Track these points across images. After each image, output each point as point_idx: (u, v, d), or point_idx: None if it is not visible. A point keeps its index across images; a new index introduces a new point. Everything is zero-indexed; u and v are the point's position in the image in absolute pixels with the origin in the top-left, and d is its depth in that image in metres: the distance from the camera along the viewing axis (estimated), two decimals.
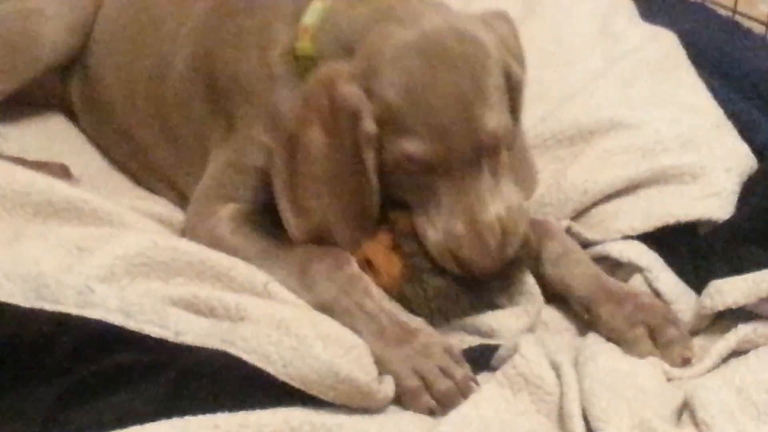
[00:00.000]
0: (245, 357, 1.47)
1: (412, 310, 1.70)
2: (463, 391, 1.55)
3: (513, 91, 1.73)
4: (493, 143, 1.65)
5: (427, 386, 1.55)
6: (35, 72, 2.17)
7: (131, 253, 1.62)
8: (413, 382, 1.55)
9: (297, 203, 1.70)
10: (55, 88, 2.26)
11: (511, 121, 1.70)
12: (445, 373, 1.55)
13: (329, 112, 1.64)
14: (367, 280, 1.66)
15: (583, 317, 1.74)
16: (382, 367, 1.56)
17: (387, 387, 1.54)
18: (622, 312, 1.68)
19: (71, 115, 2.30)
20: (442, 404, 1.54)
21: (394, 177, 1.67)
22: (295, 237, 1.71)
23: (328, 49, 1.72)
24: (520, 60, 1.77)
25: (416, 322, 1.64)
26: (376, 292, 1.65)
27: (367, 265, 1.70)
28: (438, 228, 1.66)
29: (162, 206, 1.97)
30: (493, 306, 1.74)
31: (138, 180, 2.12)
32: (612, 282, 1.75)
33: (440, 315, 1.70)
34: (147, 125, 2.02)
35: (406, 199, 1.70)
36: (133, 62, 2.07)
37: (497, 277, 1.71)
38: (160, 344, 1.49)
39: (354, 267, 1.67)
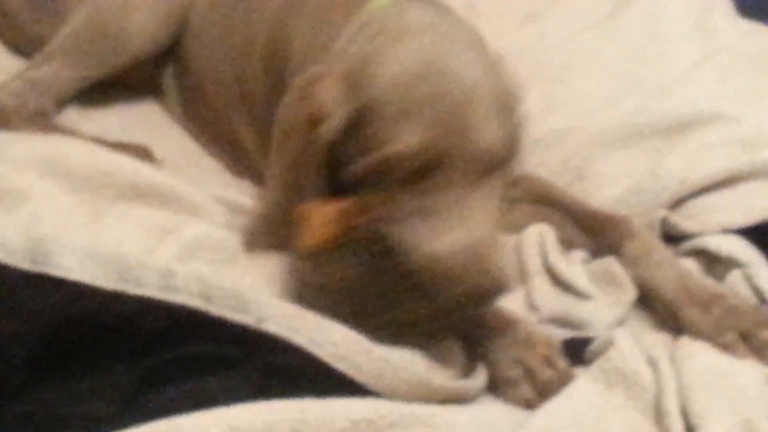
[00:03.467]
0: (335, 364, 1.43)
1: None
2: (564, 382, 1.49)
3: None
4: (489, 162, 1.50)
5: (529, 376, 1.50)
6: (124, 62, 2.16)
7: (207, 240, 1.61)
8: (513, 372, 1.50)
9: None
10: (145, 73, 2.26)
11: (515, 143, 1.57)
12: (547, 362, 1.50)
13: (304, 106, 1.56)
14: None
15: (669, 322, 1.67)
16: (482, 355, 1.52)
17: (478, 381, 1.50)
18: (710, 317, 1.61)
19: (158, 99, 2.29)
20: (542, 394, 1.48)
21: (369, 186, 1.52)
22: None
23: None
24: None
25: (516, 315, 1.57)
26: None
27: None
28: (427, 241, 1.45)
29: (248, 196, 1.92)
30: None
31: (227, 165, 2.10)
32: (698, 283, 1.67)
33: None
34: (235, 110, 2.02)
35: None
36: (223, 43, 2.07)
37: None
38: (243, 331, 1.45)
39: None
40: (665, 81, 2.07)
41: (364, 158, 1.50)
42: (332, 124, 1.52)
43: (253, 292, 1.50)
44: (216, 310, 1.47)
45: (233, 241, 1.65)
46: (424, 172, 1.47)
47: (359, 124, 1.51)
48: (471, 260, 1.43)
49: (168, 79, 2.25)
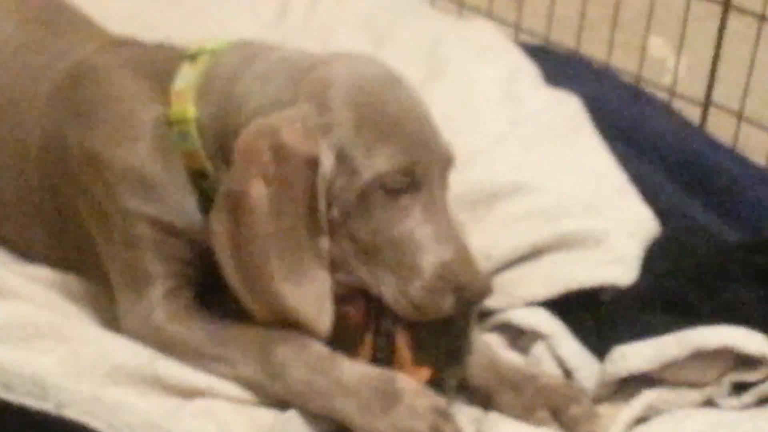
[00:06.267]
0: None
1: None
2: None
3: None
4: (452, 160, 1.65)
5: None
6: None
7: (12, 320, 1.57)
8: None
9: (249, 279, 1.57)
10: None
11: None
12: (436, 431, 1.49)
13: (274, 164, 1.54)
14: (336, 354, 1.56)
15: (483, 406, 1.69)
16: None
17: None
18: (522, 398, 1.65)
19: None
20: None
21: (357, 221, 1.57)
22: (260, 320, 1.60)
23: (229, 110, 1.65)
24: None
25: (400, 382, 1.53)
26: (348, 363, 1.55)
27: None
28: (429, 260, 1.56)
29: (51, 271, 1.87)
30: None
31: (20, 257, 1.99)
32: (508, 367, 1.69)
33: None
34: (19, 211, 1.92)
35: (373, 246, 1.58)
36: None
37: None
38: (44, 419, 1.45)
39: (319, 344, 1.57)
40: (472, 152, 2.08)
41: (350, 188, 1.56)
42: (327, 165, 1.55)
43: (53, 376, 1.49)
44: (15, 398, 1.46)
45: (41, 317, 1.61)
46: (407, 183, 1.57)
47: (339, 155, 1.56)
48: (463, 268, 1.57)
49: None
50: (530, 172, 2.01)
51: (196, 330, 1.64)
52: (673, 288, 1.81)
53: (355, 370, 1.54)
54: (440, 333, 1.60)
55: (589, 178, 2.05)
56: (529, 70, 2.53)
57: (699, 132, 2.51)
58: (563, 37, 2.92)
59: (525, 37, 2.95)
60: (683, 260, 1.87)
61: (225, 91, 1.67)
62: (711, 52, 2.59)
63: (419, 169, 1.57)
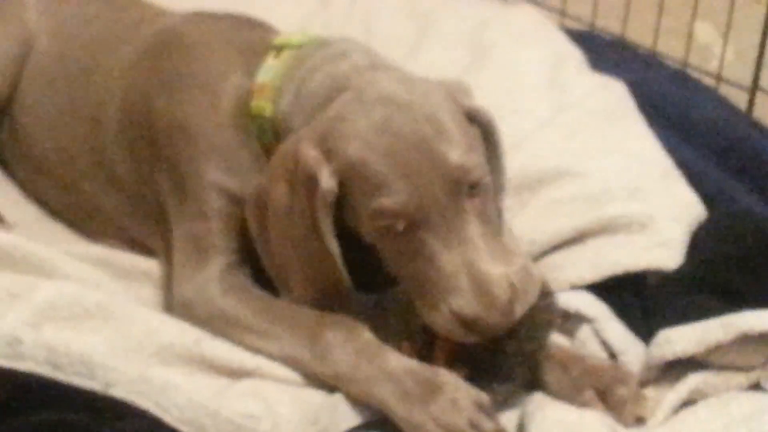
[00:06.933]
0: (181, 428, 1.45)
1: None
2: None
3: (488, 139, 1.69)
4: (466, 180, 1.56)
5: None
6: None
7: (60, 300, 1.58)
8: None
9: (275, 262, 1.67)
10: None
11: (486, 165, 1.63)
12: (475, 426, 1.49)
13: (293, 174, 1.60)
14: (382, 344, 1.59)
15: (531, 383, 1.68)
16: (411, 429, 1.51)
17: None
18: (569, 377, 1.65)
19: (4, 165, 2.21)
20: None
21: (380, 248, 1.60)
22: (296, 299, 1.66)
23: (290, 115, 1.72)
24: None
25: (443, 375, 1.54)
26: (394, 354, 1.57)
27: None
28: (443, 296, 1.54)
29: (99, 249, 1.91)
30: None
31: (81, 228, 2.04)
32: (556, 346, 1.70)
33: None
34: (91, 176, 1.97)
35: (399, 273, 1.61)
36: (67, 116, 2.00)
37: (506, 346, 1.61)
38: (92, 398, 1.46)
39: (368, 333, 1.60)
40: (517, 138, 2.08)
41: (356, 223, 1.59)
42: (326, 187, 1.56)
43: (101, 355, 1.50)
44: (64, 377, 1.48)
45: (89, 297, 1.62)
46: (411, 219, 1.54)
47: (345, 185, 1.58)
48: (473, 299, 1.52)
49: (5, 149, 2.17)
50: (575, 158, 2.01)
51: (248, 305, 1.67)
52: (719, 272, 1.80)
53: (400, 360, 1.56)
54: (482, 350, 1.60)
55: (634, 163, 2.04)
56: (574, 56, 2.53)
57: (746, 117, 2.50)
58: (609, 23, 2.91)
59: (570, 23, 2.95)
60: (729, 245, 1.86)
61: (293, 97, 1.72)
62: (758, 37, 2.57)
63: (419, 201, 1.54)
